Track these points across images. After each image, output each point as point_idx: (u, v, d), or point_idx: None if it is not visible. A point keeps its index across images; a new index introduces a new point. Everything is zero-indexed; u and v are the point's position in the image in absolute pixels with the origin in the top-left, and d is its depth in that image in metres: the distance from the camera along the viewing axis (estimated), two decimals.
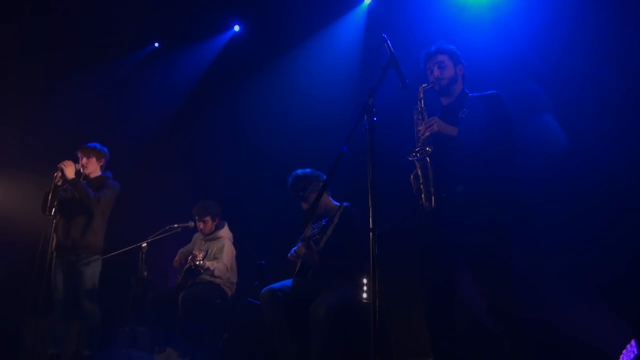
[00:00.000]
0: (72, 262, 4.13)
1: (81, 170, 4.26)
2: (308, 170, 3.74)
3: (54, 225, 4.06)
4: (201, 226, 4.62)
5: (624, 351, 2.78)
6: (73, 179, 4.05)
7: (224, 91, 5.83)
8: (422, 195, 2.63)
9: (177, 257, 4.68)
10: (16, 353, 4.44)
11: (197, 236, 4.78)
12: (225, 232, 4.62)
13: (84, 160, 4.30)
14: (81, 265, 4.11)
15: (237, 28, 5.96)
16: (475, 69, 3.09)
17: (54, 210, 3.99)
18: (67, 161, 4.08)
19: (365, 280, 3.54)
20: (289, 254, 3.67)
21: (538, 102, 3.70)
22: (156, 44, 6.38)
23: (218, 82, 5.92)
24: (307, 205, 3.71)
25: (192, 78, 6.08)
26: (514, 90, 3.38)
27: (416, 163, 2.68)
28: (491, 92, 2.78)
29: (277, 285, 3.50)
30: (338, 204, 3.62)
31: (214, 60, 6.01)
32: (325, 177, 3.64)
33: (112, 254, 4.28)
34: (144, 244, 4.04)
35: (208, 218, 4.59)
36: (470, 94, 2.84)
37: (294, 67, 5.38)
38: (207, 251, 4.37)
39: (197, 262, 4.11)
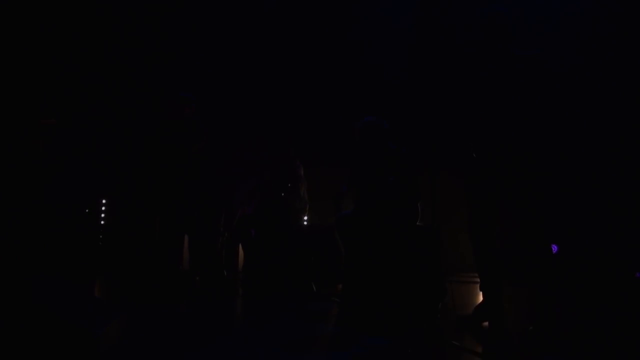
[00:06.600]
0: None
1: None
2: (375, 119, 4.08)
3: None
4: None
5: None
6: None
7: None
8: (471, 147, 3.20)
9: (253, 188, 5.34)
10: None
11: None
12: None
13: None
14: None
15: None
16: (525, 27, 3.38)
17: None
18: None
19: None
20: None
21: None
22: None
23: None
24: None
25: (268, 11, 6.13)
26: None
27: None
28: (533, 52, 3.15)
29: (349, 212, 4.15)
30: (394, 147, 4.13)
31: None
32: (387, 125, 4.10)
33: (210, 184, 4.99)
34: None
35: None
36: (515, 54, 3.16)
37: None
38: (288, 185, 5.13)
39: (282, 194, 4.87)
